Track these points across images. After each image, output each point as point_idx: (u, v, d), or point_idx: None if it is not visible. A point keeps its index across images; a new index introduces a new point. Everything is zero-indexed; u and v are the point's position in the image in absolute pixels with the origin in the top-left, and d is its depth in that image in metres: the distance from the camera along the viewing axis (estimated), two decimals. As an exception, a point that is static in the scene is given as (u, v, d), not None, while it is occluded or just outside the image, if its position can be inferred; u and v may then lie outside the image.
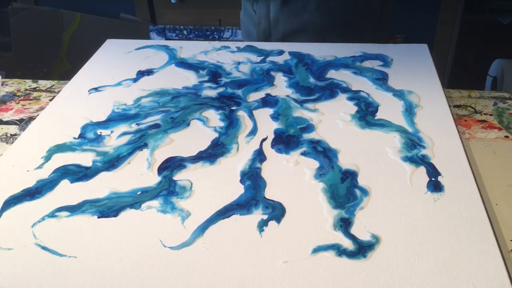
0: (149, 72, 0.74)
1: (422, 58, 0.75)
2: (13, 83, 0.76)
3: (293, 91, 0.68)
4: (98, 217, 0.47)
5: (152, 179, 0.52)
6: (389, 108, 0.63)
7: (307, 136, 0.58)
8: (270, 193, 0.49)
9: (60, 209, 0.48)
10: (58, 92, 0.70)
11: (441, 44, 1.77)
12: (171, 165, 0.53)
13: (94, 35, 1.78)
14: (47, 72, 1.85)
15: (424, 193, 0.48)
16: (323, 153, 0.55)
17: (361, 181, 0.50)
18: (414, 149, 0.55)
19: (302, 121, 0.61)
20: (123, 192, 0.50)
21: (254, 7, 0.91)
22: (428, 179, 0.50)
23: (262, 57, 0.77)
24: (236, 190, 0.49)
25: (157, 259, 0.42)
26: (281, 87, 0.69)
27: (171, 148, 0.56)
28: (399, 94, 0.66)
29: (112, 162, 0.54)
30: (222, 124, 0.61)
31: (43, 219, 0.47)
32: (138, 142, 0.57)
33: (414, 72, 0.71)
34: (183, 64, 0.76)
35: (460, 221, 0.45)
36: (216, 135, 0.58)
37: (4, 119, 0.66)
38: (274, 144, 0.57)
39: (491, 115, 0.64)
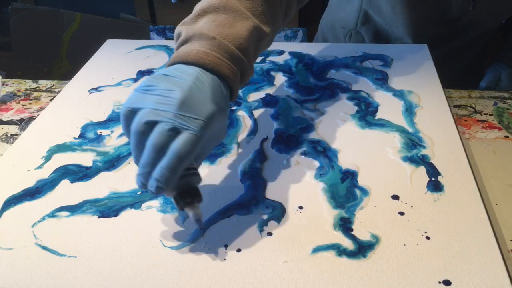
0: (149, 72, 0.74)
1: (422, 58, 0.75)
2: (13, 83, 0.76)
3: (293, 91, 0.68)
4: (98, 217, 0.47)
5: (152, 179, 0.51)
6: (389, 108, 0.63)
7: (307, 136, 0.58)
8: (270, 193, 0.49)
9: (60, 209, 0.48)
10: (58, 92, 0.70)
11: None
12: (171, 165, 0.53)
13: (94, 35, 1.78)
14: (47, 72, 1.85)
15: (424, 193, 0.48)
16: (323, 153, 0.55)
17: (361, 181, 0.50)
18: (414, 149, 0.55)
19: (302, 121, 0.61)
20: (123, 192, 0.50)
21: None
22: (428, 179, 0.50)
23: (262, 57, 0.77)
24: (236, 190, 0.49)
25: (157, 259, 0.42)
26: (281, 87, 0.69)
27: (171, 148, 0.56)
28: (399, 94, 0.66)
29: (112, 162, 0.54)
30: (222, 124, 0.61)
31: (43, 219, 0.47)
32: (138, 142, 0.57)
33: (414, 72, 0.71)
34: (183, 64, 0.76)
35: (460, 221, 0.45)
36: (216, 135, 0.58)
37: (4, 119, 0.66)
38: (274, 144, 0.57)
39: (491, 115, 0.64)
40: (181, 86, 0.40)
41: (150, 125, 0.39)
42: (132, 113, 0.40)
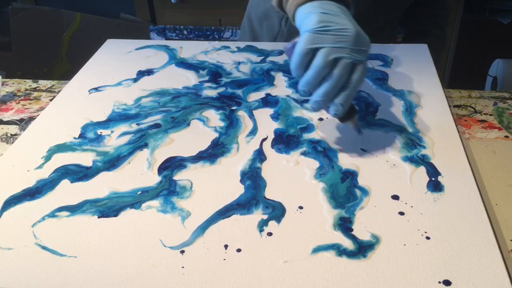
0: (149, 72, 0.74)
1: (422, 58, 0.75)
2: (13, 83, 0.76)
3: (293, 91, 0.68)
4: (98, 217, 0.47)
5: (152, 179, 0.52)
6: (389, 108, 0.63)
7: (307, 136, 0.58)
8: (270, 193, 0.49)
9: (60, 209, 0.48)
10: (58, 92, 0.70)
11: (441, 44, 1.76)
12: (171, 165, 0.53)
13: (94, 35, 1.78)
14: (47, 72, 1.85)
15: (424, 193, 0.48)
16: (323, 153, 0.55)
17: (361, 181, 0.50)
18: (414, 149, 0.55)
19: (302, 121, 0.61)
20: (123, 192, 0.50)
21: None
22: (428, 179, 0.50)
23: (262, 57, 0.77)
24: (236, 190, 0.49)
25: (157, 259, 0.42)
26: (281, 87, 0.69)
27: (171, 148, 0.56)
28: (399, 94, 0.66)
29: (112, 162, 0.54)
30: (222, 124, 0.61)
31: (43, 219, 0.47)
32: (139, 142, 0.57)
33: (414, 72, 0.71)
34: (183, 64, 0.76)
35: (460, 221, 0.45)
36: (216, 135, 0.58)
37: (4, 119, 0.66)
38: (274, 144, 0.57)
39: (491, 115, 0.64)
40: (350, 23, 0.48)
41: (333, 61, 0.48)
42: (311, 51, 0.48)
